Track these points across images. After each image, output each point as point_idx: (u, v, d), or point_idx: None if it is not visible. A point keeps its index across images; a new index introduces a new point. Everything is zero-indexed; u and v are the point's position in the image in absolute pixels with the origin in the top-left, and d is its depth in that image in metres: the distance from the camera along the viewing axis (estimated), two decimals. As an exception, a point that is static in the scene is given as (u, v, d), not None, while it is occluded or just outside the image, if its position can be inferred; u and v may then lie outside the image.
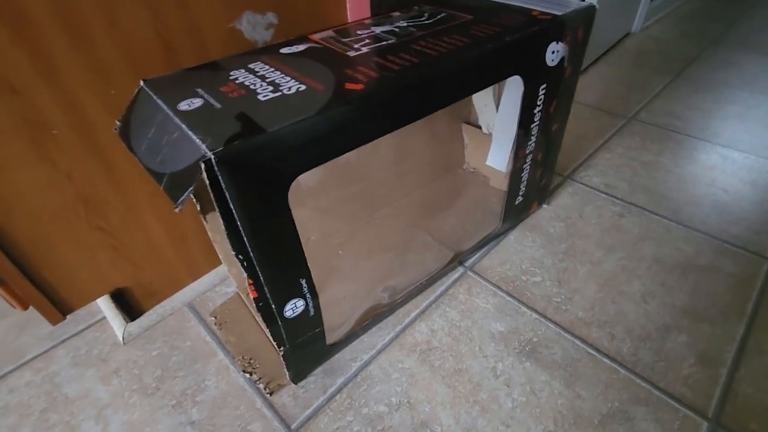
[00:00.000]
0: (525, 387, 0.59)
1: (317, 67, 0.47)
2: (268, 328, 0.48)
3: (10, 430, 0.57)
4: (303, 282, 0.47)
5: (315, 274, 0.49)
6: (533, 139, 0.67)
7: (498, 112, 0.82)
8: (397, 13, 0.64)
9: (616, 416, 0.55)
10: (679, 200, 0.86)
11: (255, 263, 0.41)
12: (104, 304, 0.68)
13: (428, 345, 0.64)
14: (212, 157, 0.34)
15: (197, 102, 0.41)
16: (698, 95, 1.21)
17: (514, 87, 0.75)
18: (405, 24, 0.59)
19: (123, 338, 0.66)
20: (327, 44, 0.54)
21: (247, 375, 0.61)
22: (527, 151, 0.68)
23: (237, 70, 0.48)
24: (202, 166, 0.34)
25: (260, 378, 0.60)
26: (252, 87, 0.44)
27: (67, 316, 0.61)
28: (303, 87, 0.43)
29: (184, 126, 0.38)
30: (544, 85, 0.61)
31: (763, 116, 1.10)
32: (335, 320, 0.64)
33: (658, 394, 0.57)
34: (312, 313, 0.51)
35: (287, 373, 0.58)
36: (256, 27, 0.60)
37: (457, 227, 0.81)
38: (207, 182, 0.35)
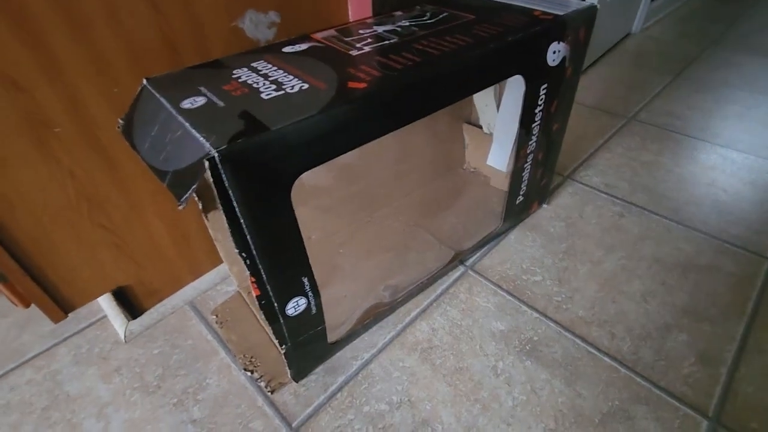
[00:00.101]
0: (525, 386, 0.59)
1: (320, 66, 0.47)
2: (270, 326, 0.48)
3: (12, 428, 0.57)
4: (305, 280, 0.48)
5: (316, 273, 0.49)
6: (534, 138, 0.67)
7: (499, 112, 0.82)
8: (399, 13, 0.64)
9: (617, 415, 0.55)
10: (679, 200, 0.87)
11: (258, 261, 0.41)
12: (106, 303, 0.68)
13: (429, 344, 0.64)
14: (216, 155, 0.34)
15: (200, 100, 0.42)
16: (698, 95, 1.21)
17: (515, 87, 0.76)
18: (407, 23, 0.59)
19: (124, 336, 0.66)
20: (329, 43, 0.54)
21: (249, 373, 0.61)
22: (528, 151, 0.68)
23: (240, 68, 0.48)
24: (206, 164, 0.34)
25: (261, 376, 0.60)
26: (255, 85, 0.44)
27: (69, 315, 0.61)
28: (306, 86, 0.43)
29: (187, 124, 0.38)
30: (546, 85, 0.61)
31: (763, 116, 1.10)
32: (336, 319, 0.64)
33: (659, 393, 0.57)
34: (314, 311, 0.51)
35: (288, 371, 0.58)
36: (258, 26, 0.60)
37: (457, 227, 0.82)
38: (211, 180, 0.35)
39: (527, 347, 0.63)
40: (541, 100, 0.62)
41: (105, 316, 0.70)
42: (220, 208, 0.56)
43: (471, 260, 0.76)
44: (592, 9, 0.61)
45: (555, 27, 0.57)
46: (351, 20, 0.69)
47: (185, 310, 0.71)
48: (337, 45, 0.53)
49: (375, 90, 0.43)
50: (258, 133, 0.36)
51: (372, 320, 0.65)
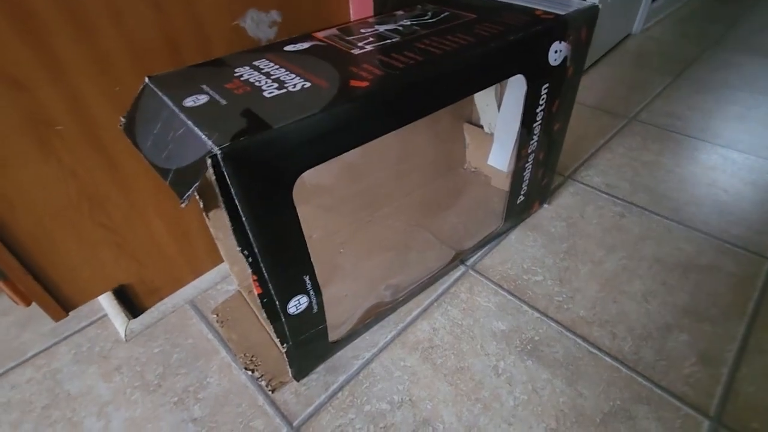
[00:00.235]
0: (527, 385, 0.59)
1: (322, 65, 0.47)
2: (271, 324, 0.48)
3: (12, 426, 0.57)
4: (306, 278, 0.48)
5: (317, 272, 0.49)
6: (535, 138, 0.67)
7: (500, 112, 0.82)
8: (400, 12, 0.64)
9: (618, 415, 0.55)
10: (680, 200, 0.87)
11: (259, 259, 0.41)
12: (106, 301, 0.68)
13: (430, 343, 0.64)
14: (218, 152, 0.34)
15: (203, 98, 0.42)
16: (698, 96, 1.21)
17: (516, 87, 0.76)
18: (409, 23, 0.59)
19: (125, 335, 0.66)
20: (331, 42, 0.54)
21: (249, 372, 0.61)
22: (529, 151, 0.68)
23: (242, 67, 0.48)
24: (209, 161, 0.34)
25: (262, 375, 0.60)
26: (257, 84, 0.44)
27: (69, 313, 0.61)
28: (308, 84, 0.43)
29: (189, 122, 0.38)
30: (547, 85, 0.61)
31: (763, 117, 1.10)
32: (337, 318, 0.64)
33: (660, 393, 0.57)
34: (315, 309, 0.51)
35: (290, 370, 0.58)
36: (259, 25, 0.60)
37: (458, 226, 0.82)
38: (213, 178, 0.35)
39: (528, 347, 0.63)
40: (542, 99, 0.62)
41: (105, 315, 0.70)
42: (222, 206, 0.56)
43: (472, 260, 0.76)
44: (593, 9, 0.61)
45: (557, 26, 0.57)
46: (352, 19, 0.69)
47: (186, 309, 0.70)
48: (338, 44, 0.53)
49: (377, 89, 0.43)
50: (260, 131, 0.36)
51: (373, 319, 0.65)
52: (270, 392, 0.59)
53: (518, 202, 0.76)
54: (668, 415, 0.55)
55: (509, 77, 0.56)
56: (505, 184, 0.89)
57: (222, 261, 0.76)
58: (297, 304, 0.48)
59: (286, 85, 0.43)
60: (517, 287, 0.71)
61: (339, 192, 0.77)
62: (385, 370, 0.61)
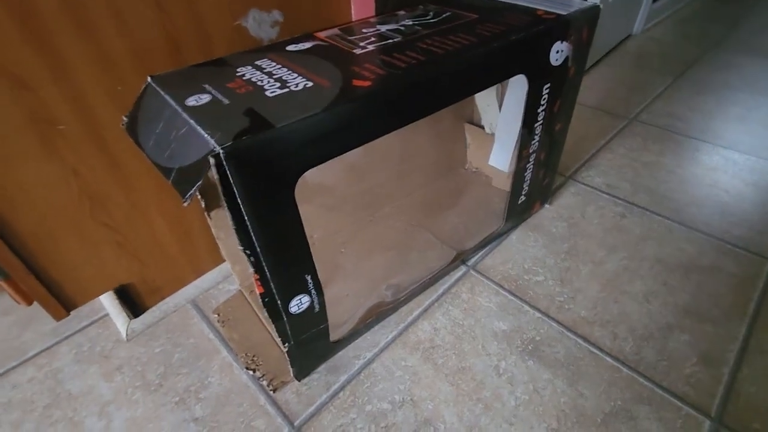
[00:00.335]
0: (528, 385, 0.59)
1: (324, 65, 0.47)
2: (273, 323, 0.48)
3: (13, 426, 0.57)
4: (308, 278, 0.48)
5: (318, 272, 0.49)
6: (537, 138, 0.67)
7: (501, 112, 0.82)
8: (402, 12, 0.64)
9: (619, 415, 0.55)
10: (681, 201, 0.87)
11: (262, 258, 0.41)
12: (107, 301, 0.68)
13: (431, 343, 0.64)
14: (221, 151, 0.34)
15: (205, 98, 0.42)
16: (699, 97, 1.21)
17: (517, 87, 0.76)
18: (410, 22, 0.59)
19: (126, 335, 0.66)
20: (333, 42, 0.54)
21: (251, 372, 0.61)
22: (530, 151, 0.68)
23: (244, 66, 0.48)
24: (212, 160, 0.34)
25: (263, 375, 0.60)
26: (259, 83, 0.44)
27: (71, 313, 0.61)
28: (310, 84, 0.43)
29: (192, 121, 0.38)
30: (548, 85, 0.61)
31: (764, 118, 1.10)
32: (339, 318, 0.64)
33: (661, 393, 0.57)
34: (317, 309, 0.51)
35: (291, 369, 0.58)
36: (261, 25, 0.60)
37: (459, 226, 0.82)
38: (216, 177, 0.35)
39: (529, 347, 0.63)
40: (543, 99, 0.63)
41: (107, 315, 0.70)
42: (223, 206, 0.56)
43: (473, 260, 0.76)
44: (595, 9, 0.61)
45: (558, 26, 0.57)
46: (354, 19, 0.69)
47: (187, 309, 0.70)
48: (340, 44, 0.53)
49: (379, 88, 0.43)
50: (263, 131, 0.36)
51: (374, 319, 0.65)
52: (271, 392, 0.59)
53: (519, 202, 0.76)
54: (669, 416, 0.55)
55: (511, 77, 0.56)
56: (505, 185, 0.89)
57: (223, 260, 0.76)
58: (299, 304, 0.48)
59: (288, 85, 0.43)
60: (518, 287, 0.71)
61: (340, 191, 0.77)
62: (386, 369, 0.61)
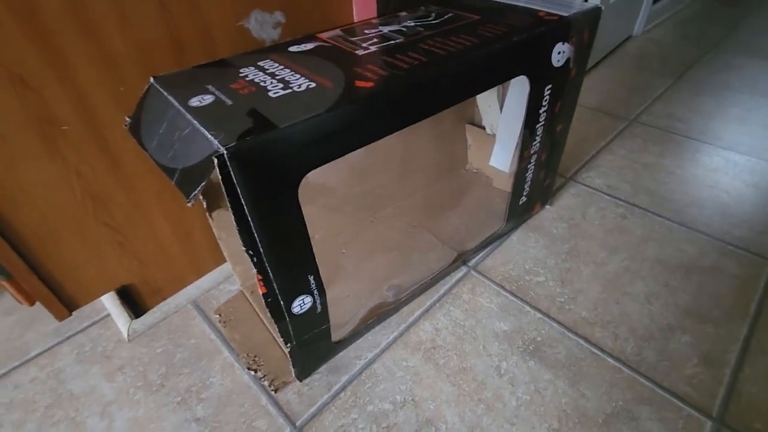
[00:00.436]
0: (529, 386, 0.59)
1: (326, 65, 0.48)
2: (275, 324, 0.48)
3: (15, 426, 0.57)
4: (311, 278, 0.48)
5: (320, 273, 0.49)
6: (538, 139, 0.67)
7: (501, 113, 0.82)
8: (403, 13, 0.65)
9: (621, 415, 0.55)
10: (682, 202, 0.87)
11: (265, 259, 0.41)
12: (109, 301, 0.68)
13: (432, 343, 0.64)
14: (225, 152, 0.34)
15: (208, 98, 0.42)
16: (699, 98, 1.21)
17: (518, 88, 0.76)
18: (412, 23, 0.59)
19: (128, 335, 0.66)
20: (335, 43, 0.54)
21: (252, 372, 0.61)
22: (532, 152, 0.69)
23: (247, 67, 0.48)
24: (215, 161, 0.34)
25: (265, 375, 0.60)
26: (262, 84, 0.44)
27: (72, 313, 0.61)
28: (313, 84, 0.43)
29: (195, 122, 0.38)
30: (550, 86, 0.62)
31: (764, 119, 1.11)
32: (340, 318, 0.64)
33: (662, 394, 0.57)
34: (319, 309, 0.51)
35: (293, 370, 0.58)
36: (263, 26, 0.60)
37: (460, 227, 0.82)
38: (219, 177, 0.35)
39: (531, 347, 0.63)
40: (545, 100, 0.63)
41: (108, 315, 0.70)
42: (225, 206, 0.56)
43: (474, 261, 0.77)
44: (596, 10, 0.61)
45: (560, 28, 0.57)
46: (355, 20, 0.69)
47: (188, 309, 0.71)
48: (343, 45, 0.53)
49: (382, 89, 0.43)
50: (266, 131, 0.37)
51: (375, 320, 0.65)
52: (273, 392, 0.59)
53: (520, 203, 0.76)
54: (671, 416, 0.55)
55: (512, 78, 0.56)
56: (506, 185, 0.89)
57: (224, 261, 0.76)
58: (301, 304, 0.49)
59: (291, 86, 0.43)
60: (519, 288, 0.71)
61: (342, 192, 0.77)
62: (387, 370, 0.61)
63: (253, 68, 0.48)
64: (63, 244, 0.56)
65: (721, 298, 0.69)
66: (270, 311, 0.46)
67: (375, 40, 0.54)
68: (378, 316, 0.65)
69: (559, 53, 0.59)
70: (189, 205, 0.35)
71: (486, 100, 0.85)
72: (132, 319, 0.68)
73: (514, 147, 0.83)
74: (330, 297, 0.53)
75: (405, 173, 0.86)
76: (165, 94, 0.44)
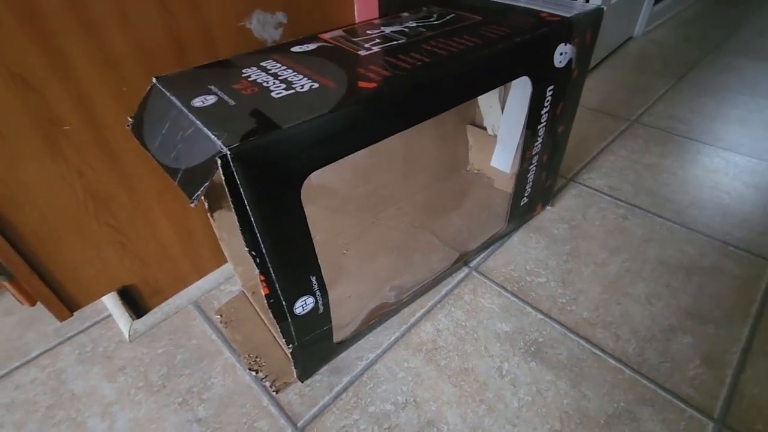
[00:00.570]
0: (531, 387, 0.59)
1: (329, 66, 0.48)
2: (278, 324, 0.48)
3: (16, 426, 0.57)
4: (313, 279, 0.48)
5: (323, 273, 0.49)
6: (540, 140, 0.67)
7: (503, 114, 0.82)
8: (405, 14, 0.65)
9: (622, 416, 0.55)
10: (683, 203, 0.87)
11: (267, 260, 0.41)
12: (110, 302, 0.68)
13: (434, 344, 0.64)
14: (228, 153, 0.34)
15: (211, 99, 0.42)
16: (700, 99, 1.22)
17: (519, 89, 0.76)
18: (414, 24, 0.59)
19: (129, 336, 0.66)
20: (337, 43, 0.54)
21: (253, 373, 0.61)
22: (533, 153, 0.69)
23: (249, 68, 0.48)
24: (218, 161, 0.34)
25: (266, 376, 0.60)
26: (265, 84, 0.44)
27: (74, 313, 0.61)
28: (316, 85, 0.43)
29: (198, 122, 0.38)
30: (552, 87, 0.62)
31: (765, 120, 1.11)
32: (342, 319, 0.64)
33: (664, 395, 0.57)
34: (321, 310, 0.51)
35: (294, 370, 0.58)
36: (265, 26, 0.60)
37: (461, 228, 0.82)
38: (222, 178, 0.35)
39: (532, 348, 0.63)
40: (547, 101, 0.63)
41: (109, 315, 0.70)
42: (226, 207, 0.56)
43: (475, 261, 0.77)
44: (598, 11, 0.61)
45: (562, 28, 0.57)
46: (357, 21, 0.69)
47: (189, 310, 0.70)
48: (345, 45, 0.53)
49: (385, 90, 0.43)
50: (270, 132, 0.37)
51: (377, 321, 0.65)
52: (274, 393, 0.59)
53: (521, 203, 0.76)
54: (673, 417, 0.55)
55: (515, 79, 0.56)
56: (507, 186, 0.89)
57: (226, 261, 0.76)
58: (303, 305, 0.48)
59: (293, 86, 0.43)
60: (520, 289, 0.71)
61: (343, 193, 0.77)
62: (389, 371, 0.61)
63: (255, 69, 0.48)
64: (64, 244, 0.56)
65: (722, 298, 0.69)
66: (272, 312, 0.46)
67: (377, 40, 0.54)
68: (379, 317, 0.65)
69: (561, 54, 0.59)
70: (192, 205, 0.35)
71: (487, 101, 0.85)
72: (133, 320, 0.68)
73: (515, 148, 0.83)
74: (332, 298, 0.53)
75: (407, 174, 0.86)
76: (167, 94, 0.44)
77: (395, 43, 0.53)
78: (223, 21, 0.56)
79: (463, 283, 0.73)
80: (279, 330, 0.49)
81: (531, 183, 0.74)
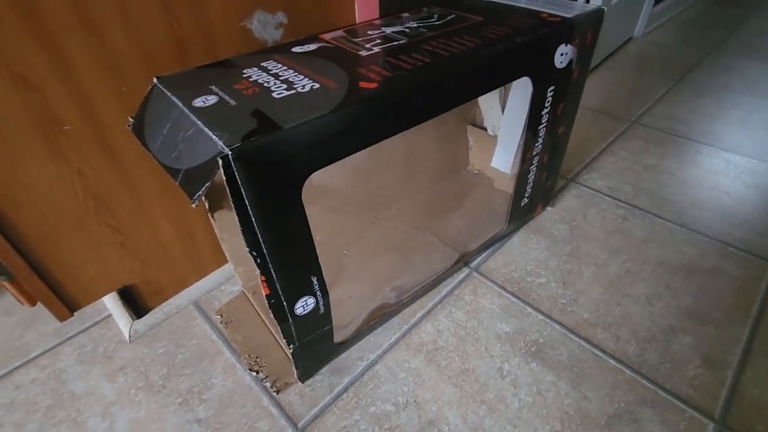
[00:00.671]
0: (531, 387, 0.59)
1: (330, 66, 0.48)
2: (279, 325, 0.48)
3: (16, 426, 0.57)
4: (314, 279, 0.48)
5: (323, 274, 0.49)
6: (540, 141, 0.67)
7: (504, 114, 0.82)
8: (406, 14, 0.65)
9: (623, 417, 0.55)
10: (683, 203, 0.87)
11: (268, 260, 0.41)
12: (111, 302, 0.68)
13: (434, 345, 0.64)
14: (230, 153, 0.34)
15: (212, 99, 0.42)
16: (700, 100, 1.22)
17: (519, 89, 0.76)
18: (415, 25, 0.59)
19: (129, 336, 0.66)
20: (338, 44, 0.54)
21: (254, 373, 0.61)
22: (534, 153, 0.69)
23: (250, 68, 0.48)
24: (220, 162, 0.34)
25: (267, 376, 0.60)
26: (266, 85, 0.44)
27: (74, 313, 0.61)
28: (317, 85, 0.43)
29: (199, 122, 0.38)
30: (553, 87, 0.62)
31: (765, 121, 1.11)
32: (342, 319, 0.64)
33: (665, 396, 0.57)
34: (322, 310, 0.51)
35: (295, 371, 0.58)
36: (266, 26, 0.60)
37: (462, 228, 0.82)
38: (224, 178, 0.35)
39: (533, 349, 0.63)
40: (548, 102, 0.63)
41: (109, 316, 0.70)
42: (227, 207, 0.56)
43: (475, 262, 0.77)
44: (599, 12, 0.61)
45: (563, 29, 0.57)
46: (358, 21, 0.69)
47: (190, 310, 0.70)
48: (346, 45, 0.53)
49: (386, 90, 0.43)
50: (271, 132, 0.36)
51: (377, 321, 0.65)
52: (275, 393, 0.59)
53: (522, 204, 0.76)
54: (673, 418, 0.55)
55: (516, 79, 0.56)
56: (508, 186, 0.89)
57: (226, 262, 0.76)
58: (304, 305, 0.48)
59: (294, 86, 0.43)
60: (521, 289, 0.71)
61: (344, 193, 0.77)
62: (389, 371, 0.61)
63: (256, 69, 0.48)
64: (64, 244, 0.56)
65: (722, 299, 0.69)
66: (273, 312, 0.46)
67: (378, 41, 0.54)
68: (380, 317, 0.65)
69: (561, 55, 0.59)
70: (193, 205, 0.35)
71: (488, 102, 0.85)
72: (133, 320, 0.68)
73: (515, 148, 0.83)
74: (332, 298, 0.52)
75: (407, 174, 0.86)
76: (168, 94, 0.44)
77: (396, 43, 0.53)
78: (224, 21, 0.56)
79: (463, 284, 0.73)
80: (280, 330, 0.49)
81: (531, 183, 0.74)
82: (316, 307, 0.50)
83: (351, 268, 0.75)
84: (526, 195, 0.75)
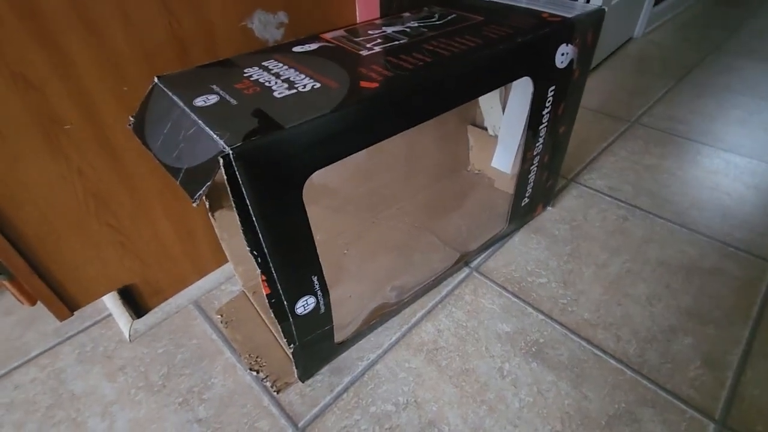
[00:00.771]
0: (532, 387, 0.59)
1: (331, 66, 0.47)
2: (279, 324, 0.48)
3: (16, 426, 0.57)
4: (314, 279, 0.48)
5: (324, 273, 0.49)
6: (541, 141, 0.67)
7: (504, 114, 0.82)
8: (407, 14, 0.65)
9: (623, 417, 0.55)
10: (683, 203, 0.87)
11: (269, 259, 0.41)
12: (111, 302, 0.68)
13: (435, 345, 0.64)
14: (231, 152, 0.34)
15: (213, 98, 0.42)
16: (700, 100, 1.22)
17: (520, 89, 0.76)
18: (416, 24, 0.59)
19: (129, 336, 0.66)
20: (339, 43, 0.54)
21: (254, 373, 0.61)
22: (534, 153, 0.69)
23: (251, 67, 0.48)
24: (221, 161, 0.34)
25: (267, 376, 0.60)
26: (267, 84, 0.44)
27: (74, 313, 0.61)
28: (318, 85, 0.43)
29: (200, 122, 0.38)
30: (553, 87, 0.62)
31: (765, 121, 1.11)
32: (343, 319, 0.64)
33: (665, 396, 0.57)
34: (322, 310, 0.51)
35: (295, 371, 0.58)
36: (267, 26, 0.60)
37: (462, 228, 0.82)
38: (225, 178, 0.35)
39: (533, 349, 0.63)
40: (548, 102, 0.63)
41: (109, 315, 0.70)
42: (227, 207, 0.56)
43: (476, 262, 0.77)
44: (600, 12, 0.61)
45: (563, 29, 0.57)
46: (358, 21, 0.69)
47: (190, 310, 0.70)
48: (346, 45, 0.53)
49: (387, 89, 0.43)
50: (272, 132, 0.36)
51: (377, 321, 0.65)
52: (275, 393, 0.59)
53: (522, 204, 0.76)
54: (673, 418, 0.55)
55: (517, 79, 0.56)
56: (508, 186, 0.89)
57: (226, 261, 0.75)
58: (305, 305, 0.48)
59: (296, 86, 0.43)
60: (521, 289, 0.71)
61: (344, 193, 0.77)
62: (389, 371, 0.61)
63: (257, 68, 0.47)
64: (64, 244, 0.56)
65: (723, 299, 0.69)
66: (273, 312, 0.46)
67: (379, 40, 0.54)
68: (380, 317, 0.65)
69: (562, 54, 0.59)
70: (194, 205, 0.35)
71: (488, 102, 0.85)
72: (133, 320, 0.67)
73: (516, 148, 0.83)
74: (333, 298, 0.52)
75: (408, 174, 0.86)
76: (169, 93, 0.44)
77: (397, 43, 0.53)
78: (225, 21, 0.56)
79: (463, 284, 0.73)
80: (280, 330, 0.49)
81: (532, 183, 0.74)
82: (317, 307, 0.50)
83: (351, 268, 0.74)
84: (527, 195, 0.75)
